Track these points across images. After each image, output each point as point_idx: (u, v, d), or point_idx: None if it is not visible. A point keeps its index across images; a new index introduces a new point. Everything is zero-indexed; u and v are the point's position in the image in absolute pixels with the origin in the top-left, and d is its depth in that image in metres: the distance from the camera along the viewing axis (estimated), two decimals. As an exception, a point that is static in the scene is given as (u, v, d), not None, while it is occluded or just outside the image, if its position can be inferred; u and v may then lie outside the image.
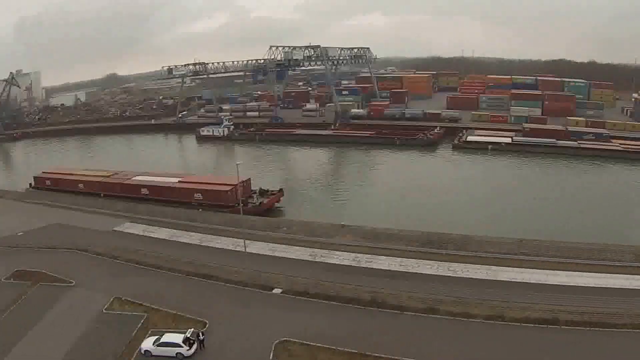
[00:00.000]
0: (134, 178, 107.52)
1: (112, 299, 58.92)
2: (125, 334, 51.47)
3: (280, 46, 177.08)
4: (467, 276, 57.72)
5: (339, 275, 59.44)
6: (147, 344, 48.43)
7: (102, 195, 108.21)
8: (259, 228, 76.65)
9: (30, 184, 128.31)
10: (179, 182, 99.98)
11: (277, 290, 57.60)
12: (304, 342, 46.82)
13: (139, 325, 52.76)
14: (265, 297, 56.81)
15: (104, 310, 56.96)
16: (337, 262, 63.30)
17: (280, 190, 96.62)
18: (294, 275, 59.83)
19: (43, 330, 55.16)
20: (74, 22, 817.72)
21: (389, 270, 60.36)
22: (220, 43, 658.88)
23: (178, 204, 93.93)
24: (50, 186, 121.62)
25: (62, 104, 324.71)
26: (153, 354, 47.55)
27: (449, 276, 57.95)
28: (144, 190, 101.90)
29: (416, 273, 59.10)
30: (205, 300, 57.20)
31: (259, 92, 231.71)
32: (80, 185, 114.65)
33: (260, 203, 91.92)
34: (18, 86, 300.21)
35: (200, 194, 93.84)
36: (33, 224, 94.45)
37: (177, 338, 47.80)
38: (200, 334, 48.62)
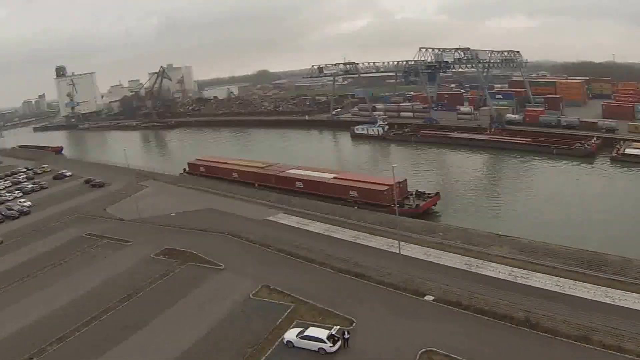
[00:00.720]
0: (288, 171, 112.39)
1: (260, 286, 61.45)
2: (270, 321, 53.24)
3: (429, 48, 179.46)
4: (625, 305, 52.94)
5: (493, 289, 57.19)
6: (291, 335, 49.50)
7: (255, 185, 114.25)
8: (415, 231, 75.83)
9: (184, 170, 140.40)
10: (335, 178, 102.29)
11: (428, 298, 56.23)
12: (451, 355, 45.16)
13: (285, 315, 54.22)
14: (416, 303, 55.74)
15: (250, 296, 59.53)
16: (492, 275, 61.20)
17: (437, 193, 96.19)
18: (447, 284, 58.45)
19: (186, 307, 59.19)
20: (217, 23, 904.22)
21: (545, 289, 57.15)
22: (364, 44, 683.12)
23: (332, 199, 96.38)
24: (203, 173, 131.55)
25: (215, 97, 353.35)
26: (295, 345, 48.47)
27: (606, 303, 53.29)
28: (299, 184, 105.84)
29: (572, 295, 55.18)
30: (355, 299, 57.21)
31: (412, 93, 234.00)
32: (235, 174, 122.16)
33: (417, 205, 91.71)
34: (169, 79, 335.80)
35: (355, 192, 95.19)
36: (186, 206, 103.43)
37: (322, 333, 48.23)
38: (346, 332, 48.58)
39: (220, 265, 69.66)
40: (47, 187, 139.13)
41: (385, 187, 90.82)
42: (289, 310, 55.22)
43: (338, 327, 49.73)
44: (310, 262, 68.03)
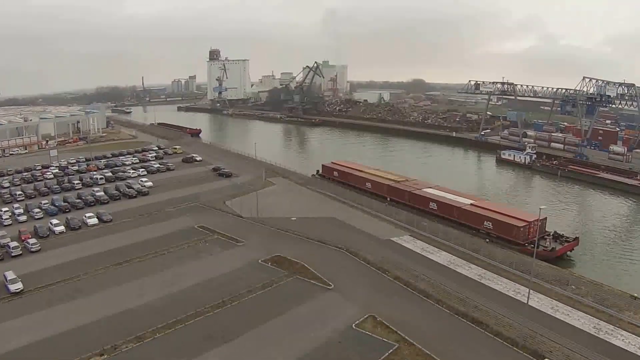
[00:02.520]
0: (424, 189, 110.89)
1: (366, 316, 58.38)
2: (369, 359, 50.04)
3: (593, 78, 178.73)
4: None
5: (620, 365, 51.34)
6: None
7: (388, 199, 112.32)
8: (546, 278, 71.51)
9: (317, 171, 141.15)
10: (472, 205, 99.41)
11: (546, 362, 51.62)
12: None
13: (386, 355, 50.95)
14: (530, 366, 51.03)
15: (353, 326, 56.43)
16: (621, 345, 55.57)
17: (576, 238, 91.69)
18: (570, 349, 54.01)
19: (281, 326, 56.98)
20: (382, 21, 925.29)
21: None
22: (526, 65, 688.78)
23: (464, 227, 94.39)
24: (336, 178, 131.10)
25: (365, 100, 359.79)
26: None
27: None
28: (432, 205, 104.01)
29: None
30: (466, 348, 52.85)
31: (565, 124, 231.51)
32: (368, 184, 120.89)
33: (552, 249, 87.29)
34: (322, 76, 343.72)
35: (490, 223, 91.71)
36: (309, 211, 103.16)
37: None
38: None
39: (329, 285, 67.38)
40: (173, 169, 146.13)
41: (523, 224, 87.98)
42: (390, 351, 52.06)
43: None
44: (426, 298, 64.97)
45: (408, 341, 53.32)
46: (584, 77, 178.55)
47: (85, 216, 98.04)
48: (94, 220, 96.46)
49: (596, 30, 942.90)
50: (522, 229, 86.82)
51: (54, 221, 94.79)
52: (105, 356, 51.21)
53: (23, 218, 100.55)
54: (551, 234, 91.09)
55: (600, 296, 66.81)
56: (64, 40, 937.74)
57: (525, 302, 58.55)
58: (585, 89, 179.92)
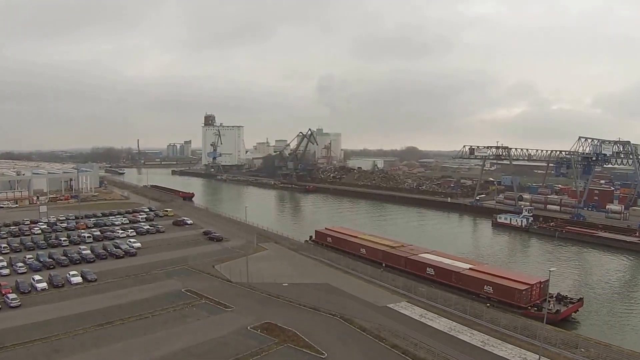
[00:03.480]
0: (420, 255, 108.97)
1: None
2: None
3: (589, 138, 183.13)
4: None
5: None
6: None
7: (383, 265, 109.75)
8: (553, 342, 68.35)
9: (310, 237, 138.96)
10: (470, 269, 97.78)
11: None
12: None
13: None
14: None
15: None
16: None
17: (581, 299, 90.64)
18: None
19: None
20: (372, 92, 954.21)
21: None
22: (518, 130, 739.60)
23: (464, 292, 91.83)
24: (330, 244, 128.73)
25: (359, 167, 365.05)
26: None
27: None
28: (429, 270, 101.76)
29: None
30: None
31: (560, 186, 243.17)
32: (363, 250, 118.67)
33: (557, 311, 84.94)
34: (316, 143, 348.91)
35: (491, 287, 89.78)
36: (302, 277, 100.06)
37: None
38: None
39: (323, 354, 63.72)
40: (163, 232, 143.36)
41: (525, 287, 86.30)
42: None
43: None
44: None
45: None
46: (580, 137, 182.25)
47: (69, 274, 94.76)
48: (78, 279, 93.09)
49: (585, 94, 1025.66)
50: (524, 292, 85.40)
51: (37, 277, 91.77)
52: None
53: (5, 272, 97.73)
54: (554, 295, 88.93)
55: (611, 357, 64.70)
56: (62, 99, 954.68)
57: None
58: (580, 149, 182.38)
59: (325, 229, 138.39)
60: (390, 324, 75.16)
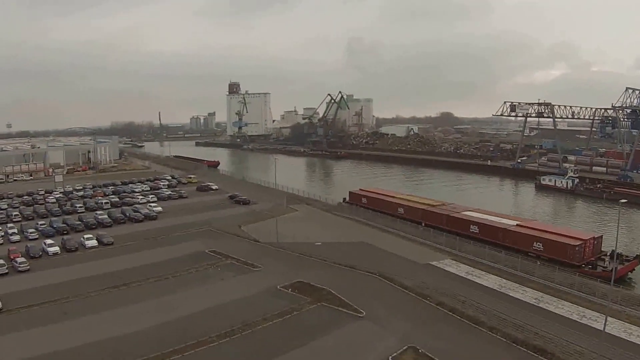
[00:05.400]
0: (463, 212, 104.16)
1: (405, 347, 50.22)
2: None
3: (637, 89, 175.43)
4: None
5: None
6: None
7: (422, 224, 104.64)
8: (614, 300, 63.15)
9: (344, 199, 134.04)
10: (517, 225, 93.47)
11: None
12: None
13: None
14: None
15: (390, 358, 48.25)
16: None
17: (637, 257, 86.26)
18: None
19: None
20: (405, 58, 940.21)
21: None
22: (556, 94, 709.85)
23: (512, 250, 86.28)
24: (365, 204, 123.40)
25: (393, 134, 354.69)
26: None
27: None
28: (474, 228, 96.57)
29: None
30: None
31: (604, 149, 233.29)
32: (400, 210, 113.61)
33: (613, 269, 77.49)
34: (347, 107, 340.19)
35: (541, 244, 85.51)
36: (337, 237, 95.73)
37: None
38: None
39: (361, 313, 59.12)
40: (186, 197, 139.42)
41: (578, 242, 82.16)
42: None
43: None
44: (477, 325, 56.58)
45: (462, 377, 44.40)
46: (627, 88, 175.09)
47: (83, 237, 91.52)
48: (93, 242, 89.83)
49: (626, 56, 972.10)
50: (577, 249, 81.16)
51: (49, 241, 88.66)
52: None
53: (16, 238, 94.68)
54: (608, 253, 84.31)
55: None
56: (81, 75, 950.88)
57: (594, 326, 55.50)
58: (628, 101, 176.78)
59: (360, 189, 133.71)
60: (435, 281, 70.69)
